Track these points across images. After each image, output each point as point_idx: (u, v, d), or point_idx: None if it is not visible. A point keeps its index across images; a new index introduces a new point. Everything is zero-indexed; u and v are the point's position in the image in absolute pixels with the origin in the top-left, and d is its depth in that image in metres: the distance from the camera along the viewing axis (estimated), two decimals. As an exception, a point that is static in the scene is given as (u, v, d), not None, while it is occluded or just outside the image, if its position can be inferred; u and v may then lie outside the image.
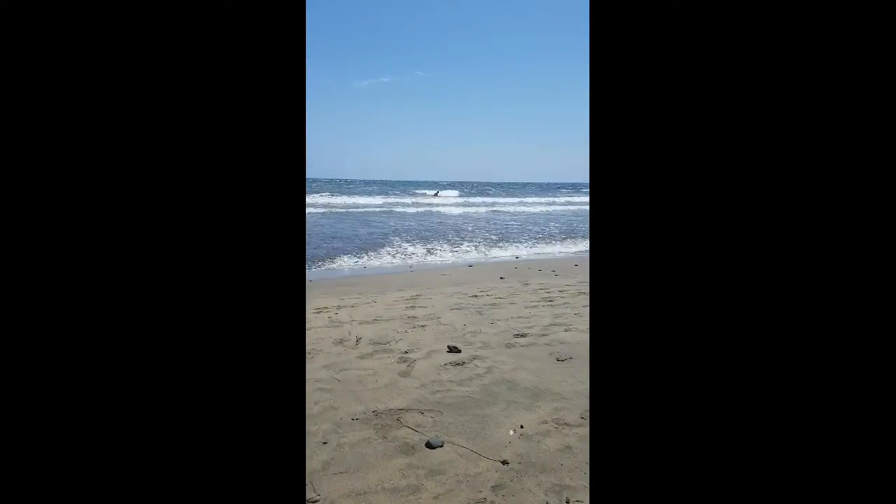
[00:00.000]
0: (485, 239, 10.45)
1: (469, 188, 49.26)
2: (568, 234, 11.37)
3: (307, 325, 3.72)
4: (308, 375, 2.66)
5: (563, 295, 4.87)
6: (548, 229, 12.86)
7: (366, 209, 19.08)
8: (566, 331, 3.53)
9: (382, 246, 8.92)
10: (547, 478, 1.73)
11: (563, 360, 2.90)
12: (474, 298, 4.72)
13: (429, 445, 1.93)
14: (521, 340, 3.30)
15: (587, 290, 5.13)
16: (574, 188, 60.13)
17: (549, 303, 4.49)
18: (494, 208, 21.57)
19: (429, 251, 8.45)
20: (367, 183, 59.00)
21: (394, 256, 7.82)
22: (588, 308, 4.19)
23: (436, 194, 35.92)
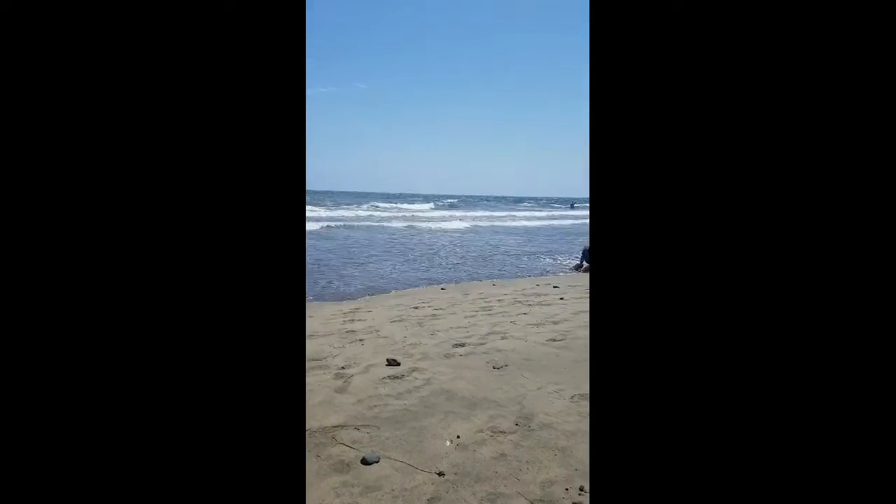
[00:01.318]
0: (428, 255, 10.48)
1: (430, 200, 48.93)
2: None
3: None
4: (238, 396, 2.54)
5: (500, 304, 4.98)
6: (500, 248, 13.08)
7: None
8: (503, 339, 3.61)
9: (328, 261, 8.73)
10: (482, 487, 1.75)
11: (498, 368, 2.96)
12: (415, 310, 4.72)
13: (364, 462, 1.90)
14: (460, 350, 3.33)
15: (523, 298, 5.28)
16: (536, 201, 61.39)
17: (488, 312, 4.58)
18: (450, 224, 19.88)
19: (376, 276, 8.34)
20: (326, 194, 57.20)
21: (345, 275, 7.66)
22: (522, 316, 4.32)
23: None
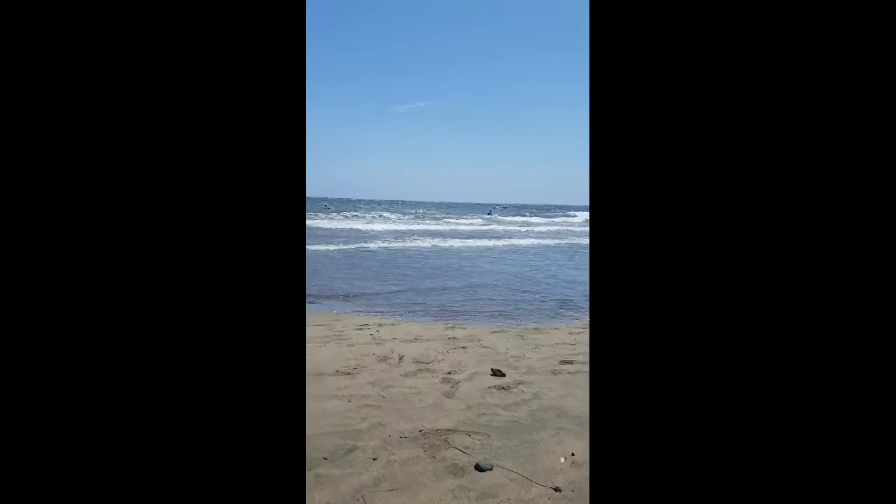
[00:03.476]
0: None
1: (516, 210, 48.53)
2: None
3: (351, 341, 3.77)
4: (354, 391, 2.69)
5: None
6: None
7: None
8: (612, 360, 3.44)
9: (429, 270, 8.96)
10: (602, 510, 1.67)
11: (611, 390, 2.82)
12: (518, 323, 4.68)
13: (478, 468, 1.90)
14: (568, 367, 3.23)
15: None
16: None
17: (592, 330, 4.40)
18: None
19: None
20: (409, 204, 59.34)
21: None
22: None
23: (489, 213, 37.21)
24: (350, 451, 2.00)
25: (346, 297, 6.03)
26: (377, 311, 5.14)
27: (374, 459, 1.95)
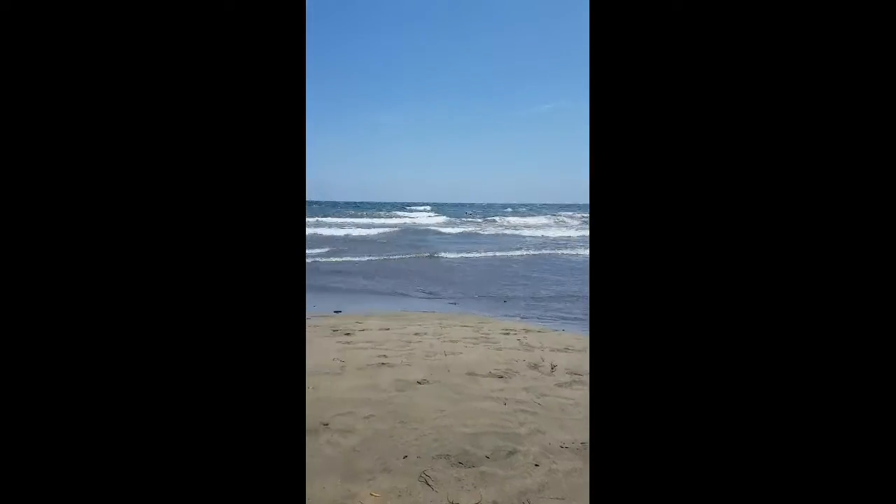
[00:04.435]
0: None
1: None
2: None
3: (498, 345, 3.80)
4: (509, 395, 2.69)
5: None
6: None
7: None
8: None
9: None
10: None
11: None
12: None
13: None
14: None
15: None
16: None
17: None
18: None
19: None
20: (535, 207, 59.03)
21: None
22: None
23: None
24: (511, 453, 2.00)
25: (491, 300, 6.12)
26: (522, 317, 5.13)
27: (535, 465, 1.91)
